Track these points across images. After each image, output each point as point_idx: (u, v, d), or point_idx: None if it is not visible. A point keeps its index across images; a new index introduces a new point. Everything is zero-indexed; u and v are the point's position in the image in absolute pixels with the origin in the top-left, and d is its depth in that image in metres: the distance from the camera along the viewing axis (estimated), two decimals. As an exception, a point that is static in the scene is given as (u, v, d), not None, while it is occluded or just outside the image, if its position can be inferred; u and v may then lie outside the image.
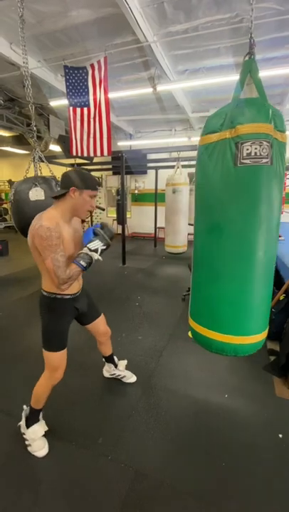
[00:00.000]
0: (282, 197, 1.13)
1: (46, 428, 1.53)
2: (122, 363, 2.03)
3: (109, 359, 1.99)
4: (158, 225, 7.24)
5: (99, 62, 3.58)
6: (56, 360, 1.45)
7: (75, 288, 1.46)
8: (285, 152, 1.12)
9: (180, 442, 1.59)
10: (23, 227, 2.33)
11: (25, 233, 2.36)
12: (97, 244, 1.30)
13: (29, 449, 1.49)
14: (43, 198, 2.14)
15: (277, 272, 2.76)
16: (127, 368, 2.10)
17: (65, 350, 1.48)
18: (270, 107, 1.06)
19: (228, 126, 1.05)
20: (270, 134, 1.01)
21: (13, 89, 5.06)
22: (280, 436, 1.62)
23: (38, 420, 1.53)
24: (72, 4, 2.93)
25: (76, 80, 3.76)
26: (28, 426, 1.51)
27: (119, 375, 2.03)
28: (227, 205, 1.09)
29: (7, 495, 1.31)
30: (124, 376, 2.03)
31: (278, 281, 2.66)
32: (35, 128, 2.51)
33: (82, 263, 1.26)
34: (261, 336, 1.19)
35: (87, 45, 3.67)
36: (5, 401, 1.89)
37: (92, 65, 3.64)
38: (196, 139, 6.91)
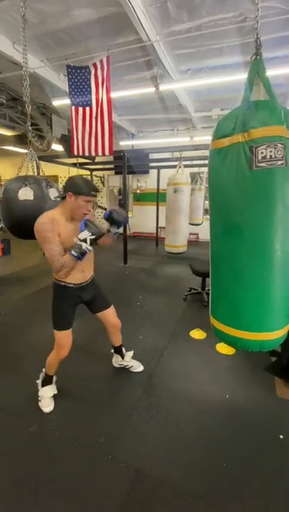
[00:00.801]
0: None
1: (56, 391, 1.84)
2: (129, 354, 2.17)
3: (118, 350, 2.14)
4: (160, 225, 7.23)
5: (101, 61, 3.57)
6: (61, 339, 1.68)
7: (78, 279, 1.65)
8: None
9: (181, 442, 1.59)
10: (11, 225, 2.32)
11: (13, 231, 2.37)
12: (85, 234, 1.41)
13: (39, 403, 1.80)
14: (31, 198, 2.13)
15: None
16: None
17: (69, 331, 1.70)
18: (282, 108, 1.06)
19: (241, 130, 1.06)
20: (284, 135, 1.03)
21: (16, 88, 5.06)
22: (281, 437, 1.61)
23: (50, 383, 1.84)
24: (74, 3, 2.93)
25: (78, 80, 3.76)
26: (42, 385, 1.83)
27: (126, 365, 2.16)
28: (244, 207, 1.11)
29: (7, 494, 1.32)
30: (132, 366, 2.16)
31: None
32: (30, 127, 2.51)
33: (73, 252, 1.41)
34: (283, 331, 1.23)
35: (90, 45, 3.66)
36: (5, 399, 1.89)
37: (94, 65, 3.63)
38: (198, 139, 6.90)
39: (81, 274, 1.65)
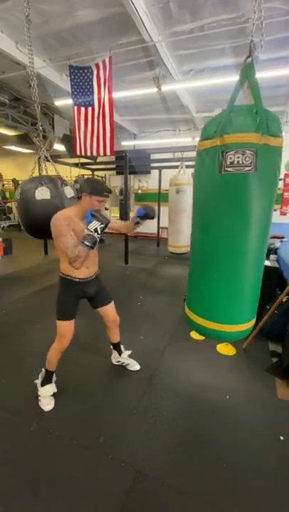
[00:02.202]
0: (271, 199, 1.19)
1: (55, 390, 1.86)
2: (126, 352, 2.24)
3: (116, 347, 2.20)
4: (161, 225, 7.23)
5: (104, 61, 3.58)
6: (62, 328, 1.75)
7: (83, 274, 1.75)
8: (280, 155, 1.12)
9: (181, 442, 1.58)
10: (29, 225, 2.34)
11: (31, 232, 2.39)
12: (94, 224, 1.46)
13: (39, 403, 1.82)
14: (48, 197, 2.16)
15: (280, 274, 2.75)
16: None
17: (71, 322, 1.76)
18: (261, 113, 1.09)
19: (219, 134, 1.12)
20: (255, 142, 1.06)
21: (19, 88, 5.08)
22: (282, 438, 1.61)
23: (50, 382, 1.86)
24: (77, 4, 2.94)
25: (81, 80, 3.77)
26: (42, 385, 1.85)
27: (123, 363, 2.21)
28: (213, 207, 1.21)
29: (7, 494, 1.32)
30: (128, 364, 2.21)
31: (281, 282, 2.65)
32: (40, 128, 2.52)
33: (86, 242, 1.45)
34: (243, 326, 1.32)
35: (92, 45, 3.67)
36: (6, 398, 1.90)
37: (96, 65, 3.64)
38: (200, 139, 6.90)
39: (86, 270, 1.75)
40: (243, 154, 1.06)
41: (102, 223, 1.46)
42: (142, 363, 2.26)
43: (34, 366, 2.20)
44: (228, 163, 1.10)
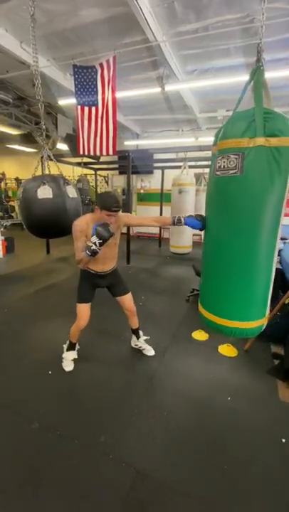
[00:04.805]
0: (271, 199, 1.15)
1: (76, 356, 2.22)
2: (143, 338, 2.46)
3: (135, 332, 2.43)
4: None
5: (108, 61, 3.58)
6: (79, 311, 2.07)
7: (98, 268, 2.04)
8: (282, 154, 1.08)
9: (182, 443, 1.58)
10: (30, 224, 2.34)
11: (33, 231, 2.40)
12: (94, 239, 1.70)
13: (62, 364, 2.18)
14: (50, 196, 2.17)
15: (282, 275, 2.74)
16: (131, 369, 2.17)
17: (86, 306, 2.07)
18: (258, 115, 1.10)
19: (216, 142, 1.25)
20: (241, 146, 1.12)
21: (23, 87, 5.09)
22: (283, 440, 1.60)
23: (73, 349, 2.23)
24: (82, 3, 2.94)
25: (85, 79, 3.77)
26: (67, 350, 2.23)
27: (140, 347, 2.43)
28: (210, 208, 1.36)
29: (7, 493, 1.32)
30: (145, 349, 2.42)
31: (284, 284, 2.64)
32: (44, 127, 2.52)
33: (87, 251, 1.72)
34: (238, 323, 1.34)
35: (97, 45, 3.67)
36: (7, 397, 1.90)
37: (100, 65, 3.64)
38: (203, 140, 6.88)
39: (101, 266, 2.05)
40: (227, 159, 1.16)
41: (100, 239, 1.68)
42: (143, 363, 2.26)
43: (35, 365, 2.21)
44: (217, 168, 1.22)
